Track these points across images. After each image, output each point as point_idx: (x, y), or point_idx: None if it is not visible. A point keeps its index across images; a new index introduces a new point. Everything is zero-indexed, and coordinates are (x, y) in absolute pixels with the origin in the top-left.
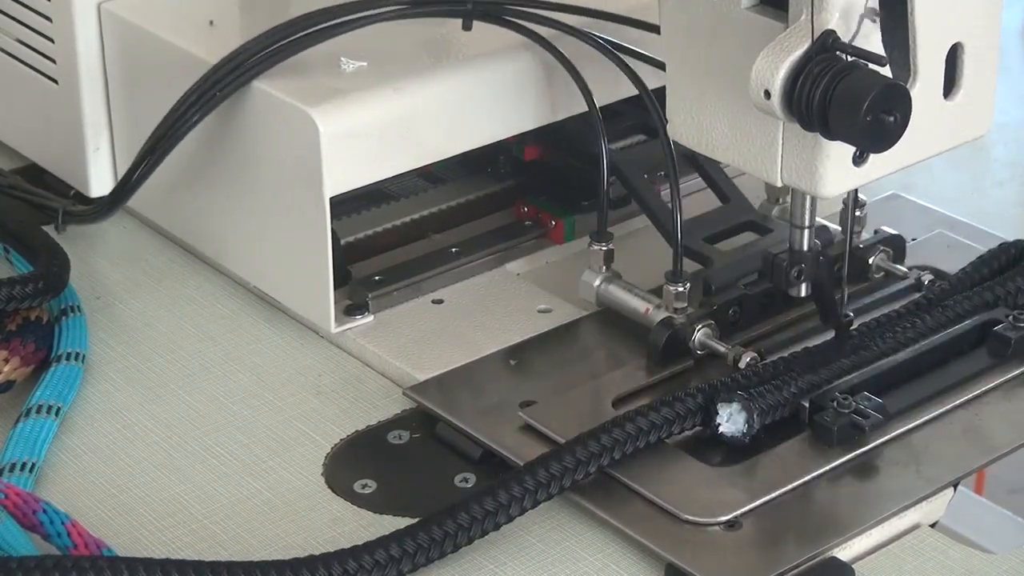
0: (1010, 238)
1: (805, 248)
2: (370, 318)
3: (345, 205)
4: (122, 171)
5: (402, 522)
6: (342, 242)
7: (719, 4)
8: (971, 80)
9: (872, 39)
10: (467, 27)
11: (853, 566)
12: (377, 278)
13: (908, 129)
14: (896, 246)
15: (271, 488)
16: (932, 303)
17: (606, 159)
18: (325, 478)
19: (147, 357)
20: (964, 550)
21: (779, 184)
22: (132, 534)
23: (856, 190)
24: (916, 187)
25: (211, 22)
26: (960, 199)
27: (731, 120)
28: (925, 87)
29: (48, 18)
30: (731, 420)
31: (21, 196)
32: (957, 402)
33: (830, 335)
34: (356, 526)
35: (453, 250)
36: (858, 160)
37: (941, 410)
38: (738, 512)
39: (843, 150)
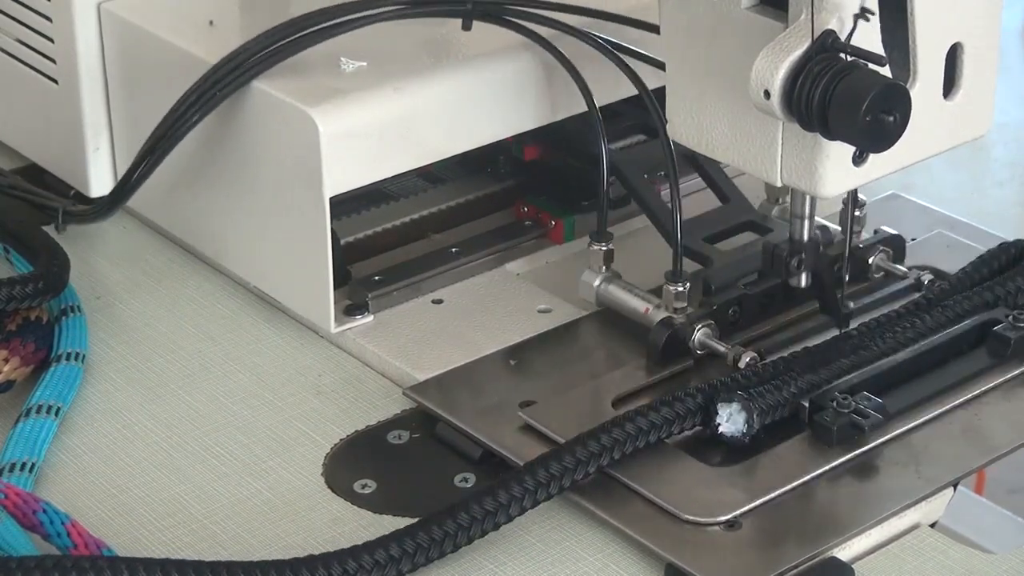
0: (1010, 238)
1: (805, 238)
2: (370, 318)
3: (345, 205)
4: (122, 171)
5: (402, 522)
6: (342, 242)
7: (719, 4)
8: (971, 80)
9: (872, 39)
10: (467, 27)
11: (853, 566)
12: (377, 278)
13: (908, 129)
14: (896, 246)
15: (271, 488)
16: (932, 303)
17: (606, 159)
18: (325, 478)
19: (147, 357)
20: (964, 550)
21: (779, 184)
22: (132, 534)
23: (856, 190)
24: (916, 187)
25: (211, 22)
26: (960, 199)
27: (731, 120)
28: (925, 87)
29: (48, 18)
30: (731, 420)
31: (21, 196)
32: (957, 402)
33: (830, 335)
34: (356, 526)
35: (453, 250)
36: (858, 160)
37: (941, 410)
38: (738, 512)
39: (843, 150)
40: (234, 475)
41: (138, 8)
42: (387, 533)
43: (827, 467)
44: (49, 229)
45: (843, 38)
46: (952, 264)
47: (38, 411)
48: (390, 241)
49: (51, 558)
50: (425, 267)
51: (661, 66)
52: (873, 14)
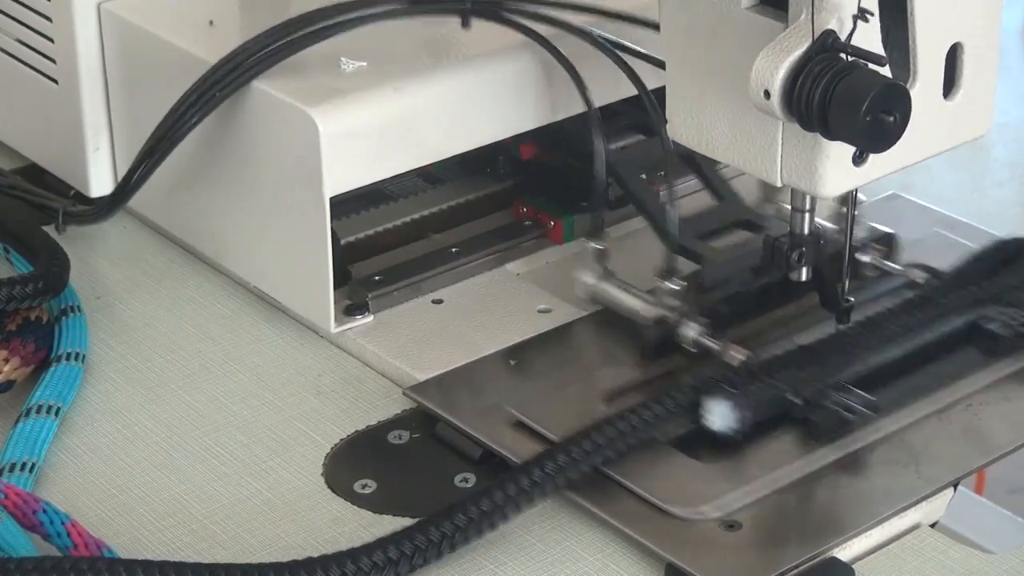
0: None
1: (806, 232)
2: (370, 318)
3: (345, 205)
4: (122, 171)
5: (402, 522)
6: (342, 242)
7: (719, 4)
8: (971, 80)
9: (872, 39)
10: (466, 25)
11: (853, 566)
12: (377, 278)
13: (908, 129)
14: (889, 244)
15: (271, 488)
16: (924, 300)
17: (603, 158)
18: (325, 478)
19: (147, 357)
20: (964, 550)
21: (779, 184)
22: (132, 534)
23: (856, 190)
24: (916, 187)
25: (211, 22)
26: (960, 199)
27: (731, 120)
28: (925, 87)
29: (48, 18)
30: (722, 417)
31: (21, 196)
32: (948, 399)
33: (821, 332)
34: (356, 526)
35: (453, 250)
36: (858, 160)
37: (932, 407)
38: (729, 509)
39: (843, 150)
40: (234, 475)
41: (138, 8)
42: (387, 534)
43: (818, 463)
44: (49, 229)
45: (843, 38)
46: (945, 262)
47: (38, 411)
48: (390, 241)
49: (50, 559)
50: (425, 267)
51: (661, 65)
52: (872, 14)
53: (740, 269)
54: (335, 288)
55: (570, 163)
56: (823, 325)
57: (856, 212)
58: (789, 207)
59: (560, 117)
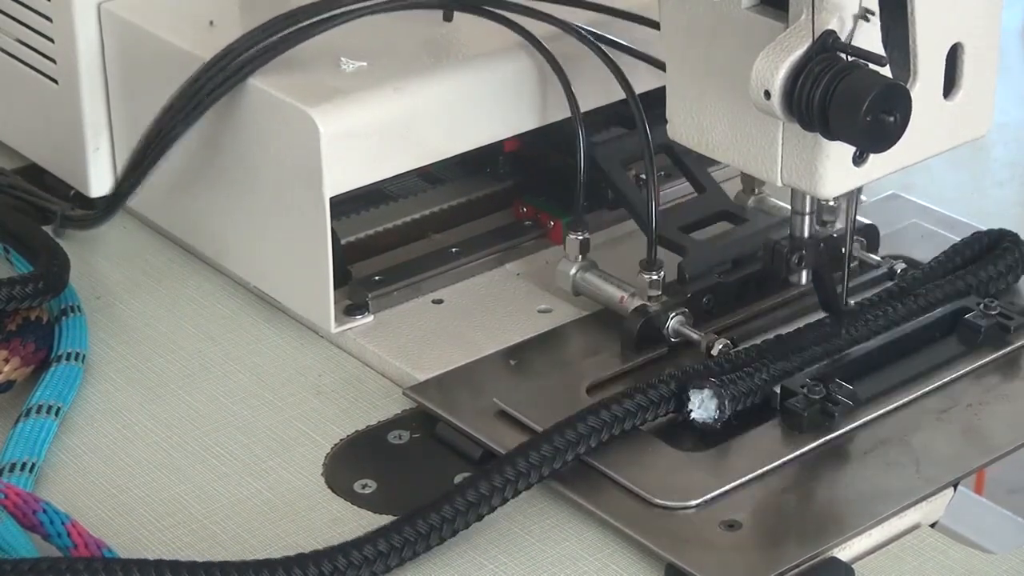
0: None
1: (806, 235)
2: (370, 318)
3: (345, 205)
4: (122, 171)
5: None
6: (342, 242)
7: (719, 4)
8: (971, 80)
9: (872, 39)
10: (448, 18)
11: (853, 566)
12: (377, 278)
13: (908, 129)
14: (870, 235)
15: (271, 488)
16: (904, 291)
17: (583, 150)
18: (325, 478)
19: (147, 357)
20: (964, 550)
21: (779, 184)
22: (132, 534)
23: (858, 190)
24: (916, 187)
25: (211, 22)
26: (960, 199)
27: (731, 120)
28: (925, 87)
29: (48, 18)
30: (703, 406)
31: (21, 197)
32: (927, 389)
33: (802, 323)
34: (356, 526)
35: (453, 250)
36: (858, 160)
37: (911, 397)
38: (707, 496)
39: (843, 150)
40: (234, 475)
41: (138, 8)
42: (374, 529)
43: (797, 452)
44: (49, 230)
45: (844, 38)
46: (925, 253)
47: (38, 411)
48: (390, 241)
49: (47, 560)
50: (425, 267)
51: (655, 63)
52: (873, 14)
53: (721, 260)
54: (335, 288)
55: (570, 163)
56: (803, 315)
57: (835, 203)
58: (771, 199)
59: (561, 117)
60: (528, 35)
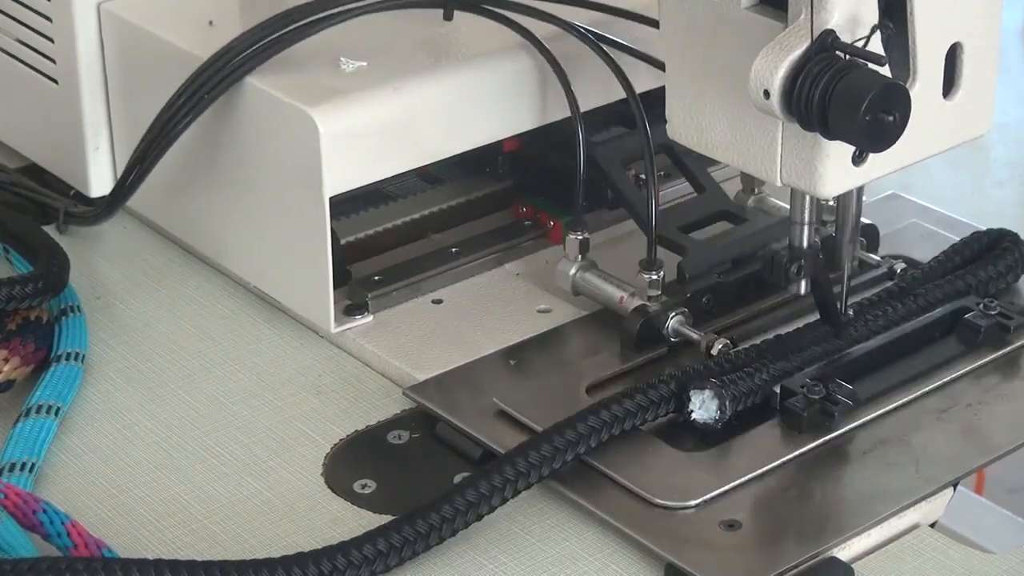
0: None
1: (805, 245)
2: (370, 318)
3: (345, 205)
4: (122, 171)
5: None
6: (342, 242)
7: (719, 4)
8: (971, 80)
9: (872, 39)
10: (448, 17)
11: (853, 566)
12: (377, 278)
13: (908, 129)
14: (870, 235)
15: (271, 488)
16: (904, 291)
17: (583, 150)
18: (325, 478)
19: (147, 357)
20: (964, 550)
21: (779, 184)
22: (132, 534)
23: (859, 190)
24: (916, 187)
25: (211, 22)
26: (960, 199)
27: (731, 120)
28: (925, 87)
29: (48, 18)
30: (703, 407)
31: (22, 194)
32: (927, 389)
33: (802, 323)
34: (356, 526)
35: (453, 250)
36: (858, 160)
37: (911, 397)
38: (707, 496)
39: (843, 150)
40: (234, 475)
41: (138, 8)
42: (374, 528)
43: (797, 452)
44: (49, 229)
45: (845, 38)
46: (925, 253)
47: (38, 411)
48: (390, 241)
49: (47, 560)
50: (425, 267)
51: (660, 65)
52: (890, 25)
53: (721, 260)
54: (335, 288)
55: (569, 163)
56: (803, 315)
57: (832, 203)
58: (771, 198)
59: (561, 116)
60: (528, 34)
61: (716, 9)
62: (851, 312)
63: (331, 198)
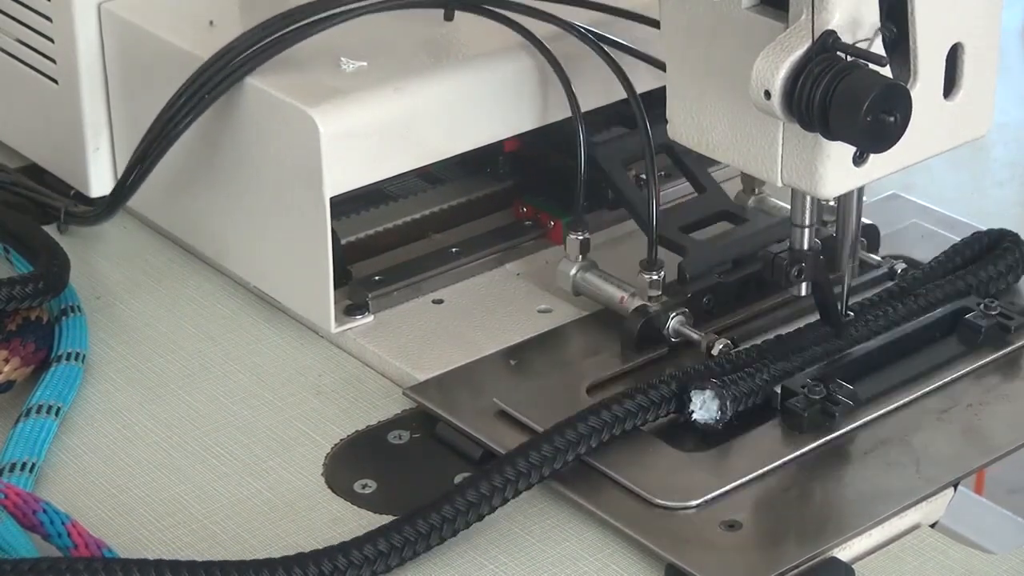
0: None
1: (805, 247)
2: (370, 318)
3: (345, 205)
4: (122, 171)
5: None
6: (342, 242)
7: (719, 4)
8: (971, 80)
9: (873, 39)
10: (448, 18)
11: (853, 566)
12: (377, 278)
13: (908, 129)
14: (870, 235)
15: (271, 488)
16: (904, 291)
17: (583, 150)
18: (325, 478)
19: (147, 357)
20: (964, 550)
21: (779, 184)
22: (132, 534)
23: (859, 190)
24: (916, 187)
25: (211, 22)
26: (960, 199)
27: (731, 120)
28: (925, 87)
29: (48, 18)
30: (705, 408)
31: (23, 194)
32: (927, 389)
33: (803, 323)
34: (356, 526)
35: (453, 250)
36: (858, 160)
37: (911, 397)
38: (707, 496)
39: (843, 150)
40: (234, 475)
41: (138, 8)
42: (374, 528)
43: (798, 452)
44: (50, 229)
45: (846, 39)
46: (925, 253)
47: (38, 411)
48: (390, 241)
49: (47, 560)
50: (425, 267)
51: (660, 65)
52: (894, 30)
53: (721, 260)
54: (335, 288)
55: (570, 163)
56: (803, 316)
57: (832, 203)
58: (771, 198)
59: (561, 116)
60: (528, 35)
61: (717, 9)
62: (852, 313)
63: (331, 198)
